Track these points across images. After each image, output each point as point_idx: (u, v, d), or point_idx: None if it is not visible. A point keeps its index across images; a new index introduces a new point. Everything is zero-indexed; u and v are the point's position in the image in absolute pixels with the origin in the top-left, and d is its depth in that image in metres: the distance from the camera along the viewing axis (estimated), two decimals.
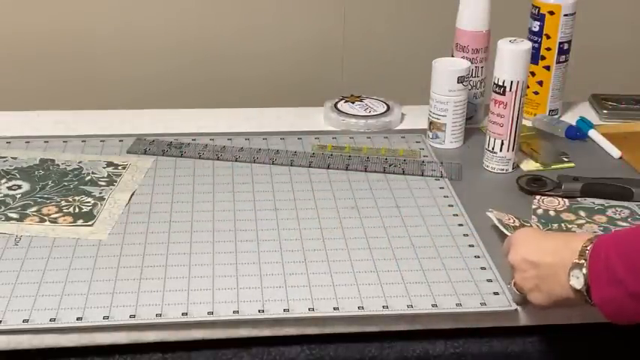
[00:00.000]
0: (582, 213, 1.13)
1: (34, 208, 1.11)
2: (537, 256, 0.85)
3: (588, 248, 0.79)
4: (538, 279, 0.85)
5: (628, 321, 0.78)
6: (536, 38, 1.39)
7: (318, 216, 1.11)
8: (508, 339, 0.95)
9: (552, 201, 1.16)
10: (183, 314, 0.91)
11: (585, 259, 0.79)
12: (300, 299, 0.93)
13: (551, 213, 1.13)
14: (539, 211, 1.13)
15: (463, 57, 1.34)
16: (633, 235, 0.77)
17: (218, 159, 1.27)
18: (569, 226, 1.09)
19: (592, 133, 1.37)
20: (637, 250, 0.74)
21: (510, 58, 1.20)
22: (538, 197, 1.17)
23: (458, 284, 0.96)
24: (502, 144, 1.24)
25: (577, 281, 0.79)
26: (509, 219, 1.04)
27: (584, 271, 0.79)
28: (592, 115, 1.46)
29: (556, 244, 0.84)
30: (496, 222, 1.03)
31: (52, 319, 0.89)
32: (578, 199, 1.17)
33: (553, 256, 0.83)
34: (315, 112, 1.45)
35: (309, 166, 1.25)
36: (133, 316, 0.90)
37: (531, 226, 1.04)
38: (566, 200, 1.16)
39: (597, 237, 0.81)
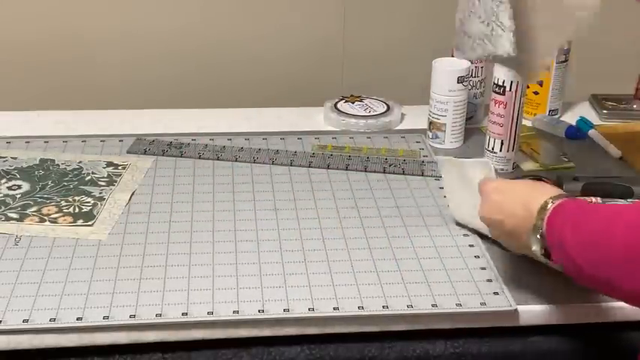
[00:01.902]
0: None
1: (34, 208, 1.11)
2: (501, 216, 0.90)
3: (548, 208, 0.82)
4: (504, 235, 0.92)
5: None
6: None
7: (318, 216, 1.11)
8: (508, 339, 0.95)
9: None
10: (183, 314, 0.91)
11: (542, 223, 0.82)
12: (300, 299, 0.93)
13: None
14: None
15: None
16: (589, 211, 0.79)
17: (218, 159, 1.27)
18: None
19: (592, 133, 1.37)
20: (589, 229, 0.76)
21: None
22: None
23: (458, 284, 0.96)
24: (502, 144, 1.24)
25: (537, 246, 0.84)
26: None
27: (540, 236, 0.83)
28: (592, 115, 1.46)
29: (516, 206, 0.87)
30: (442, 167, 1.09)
31: (52, 319, 0.89)
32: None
33: (514, 218, 0.88)
34: (315, 112, 1.45)
35: (309, 166, 1.25)
36: (133, 316, 0.90)
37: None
38: None
39: (554, 200, 0.82)
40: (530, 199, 0.85)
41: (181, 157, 1.27)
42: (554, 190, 0.86)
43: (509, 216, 0.89)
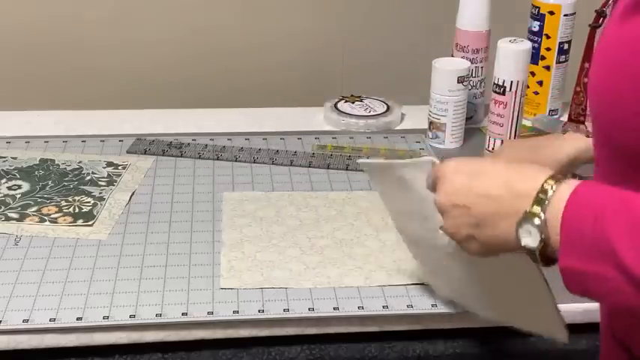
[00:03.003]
0: None
1: (34, 208, 1.11)
2: (469, 200, 0.66)
3: (551, 191, 0.61)
4: (472, 228, 0.67)
5: (593, 297, 0.62)
6: (536, 38, 1.39)
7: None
8: (508, 339, 0.95)
9: None
10: (183, 314, 0.91)
11: (542, 209, 0.60)
12: (300, 299, 0.93)
13: None
14: None
15: (463, 57, 1.34)
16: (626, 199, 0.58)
17: (218, 159, 1.27)
18: None
19: None
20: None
21: (510, 58, 1.20)
22: None
23: None
24: (502, 144, 1.24)
25: (531, 239, 0.62)
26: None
27: (539, 223, 0.61)
28: None
29: (493, 184, 0.65)
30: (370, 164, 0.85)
31: (52, 319, 0.89)
32: None
33: (490, 201, 0.65)
34: (315, 112, 1.45)
35: (309, 166, 1.25)
36: (133, 316, 0.90)
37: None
38: None
39: (569, 182, 0.61)
40: (514, 178, 0.64)
41: (181, 157, 1.27)
42: (545, 170, 0.64)
43: (479, 198, 0.65)
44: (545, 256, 0.62)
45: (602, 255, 0.57)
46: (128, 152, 1.28)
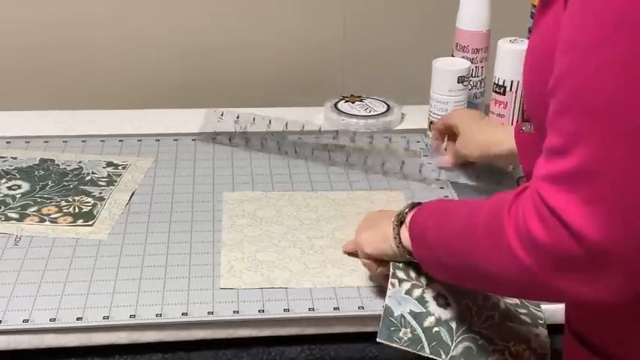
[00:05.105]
0: None
1: (34, 208, 1.11)
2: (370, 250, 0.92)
3: (406, 213, 0.86)
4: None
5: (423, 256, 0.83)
6: None
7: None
8: None
9: None
10: (183, 314, 0.91)
11: (400, 224, 0.86)
12: (300, 299, 0.93)
13: None
14: None
15: (463, 57, 1.34)
16: (446, 208, 0.80)
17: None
18: None
19: None
20: (447, 223, 0.77)
21: (510, 58, 1.20)
22: None
23: None
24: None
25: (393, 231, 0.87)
26: None
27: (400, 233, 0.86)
28: None
29: (379, 238, 0.90)
30: None
31: (52, 319, 0.89)
32: None
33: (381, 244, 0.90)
34: (315, 112, 1.45)
35: (309, 166, 1.25)
36: (133, 316, 0.90)
37: None
38: None
39: (408, 216, 0.85)
40: (383, 228, 0.89)
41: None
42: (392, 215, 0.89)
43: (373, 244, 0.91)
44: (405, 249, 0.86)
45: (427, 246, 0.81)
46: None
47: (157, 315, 0.90)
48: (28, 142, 1.31)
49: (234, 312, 0.91)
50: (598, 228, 0.58)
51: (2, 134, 1.33)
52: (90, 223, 1.08)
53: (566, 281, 0.62)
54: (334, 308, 0.92)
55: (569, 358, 0.82)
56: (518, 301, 0.95)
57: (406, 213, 0.86)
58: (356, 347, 0.94)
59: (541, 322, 0.93)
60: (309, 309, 0.92)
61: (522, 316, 0.94)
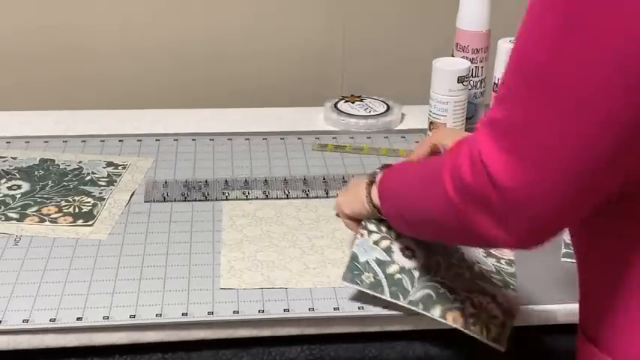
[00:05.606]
0: None
1: (34, 208, 1.11)
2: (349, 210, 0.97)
3: (377, 173, 0.92)
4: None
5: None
6: None
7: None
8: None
9: None
10: (183, 314, 0.91)
11: (371, 183, 0.91)
12: (300, 299, 0.93)
13: None
14: None
15: (463, 57, 1.34)
16: (411, 166, 0.87)
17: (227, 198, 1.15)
18: None
19: None
20: (407, 177, 0.84)
21: None
22: None
23: None
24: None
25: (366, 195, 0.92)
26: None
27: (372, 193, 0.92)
28: None
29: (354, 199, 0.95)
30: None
31: (52, 319, 0.89)
32: None
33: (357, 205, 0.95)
34: (315, 112, 1.45)
35: (309, 166, 1.25)
36: (133, 316, 0.90)
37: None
38: None
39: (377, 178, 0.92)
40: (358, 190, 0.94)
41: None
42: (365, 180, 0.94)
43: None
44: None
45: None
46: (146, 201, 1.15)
47: (156, 315, 0.90)
48: (28, 142, 1.31)
49: (234, 312, 0.91)
50: (512, 176, 0.64)
51: (2, 134, 1.33)
52: (90, 223, 1.08)
53: (483, 223, 0.67)
54: (334, 308, 0.92)
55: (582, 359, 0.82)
56: (493, 268, 0.98)
57: (377, 173, 0.91)
58: (356, 347, 0.94)
59: (512, 287, 0.96)
60: (309, 309, 0.92)
61: (494, 280, 0.96)
